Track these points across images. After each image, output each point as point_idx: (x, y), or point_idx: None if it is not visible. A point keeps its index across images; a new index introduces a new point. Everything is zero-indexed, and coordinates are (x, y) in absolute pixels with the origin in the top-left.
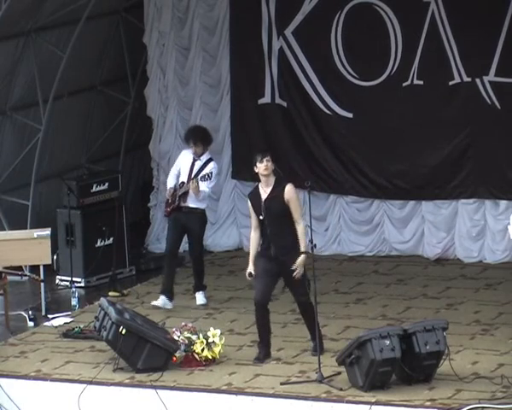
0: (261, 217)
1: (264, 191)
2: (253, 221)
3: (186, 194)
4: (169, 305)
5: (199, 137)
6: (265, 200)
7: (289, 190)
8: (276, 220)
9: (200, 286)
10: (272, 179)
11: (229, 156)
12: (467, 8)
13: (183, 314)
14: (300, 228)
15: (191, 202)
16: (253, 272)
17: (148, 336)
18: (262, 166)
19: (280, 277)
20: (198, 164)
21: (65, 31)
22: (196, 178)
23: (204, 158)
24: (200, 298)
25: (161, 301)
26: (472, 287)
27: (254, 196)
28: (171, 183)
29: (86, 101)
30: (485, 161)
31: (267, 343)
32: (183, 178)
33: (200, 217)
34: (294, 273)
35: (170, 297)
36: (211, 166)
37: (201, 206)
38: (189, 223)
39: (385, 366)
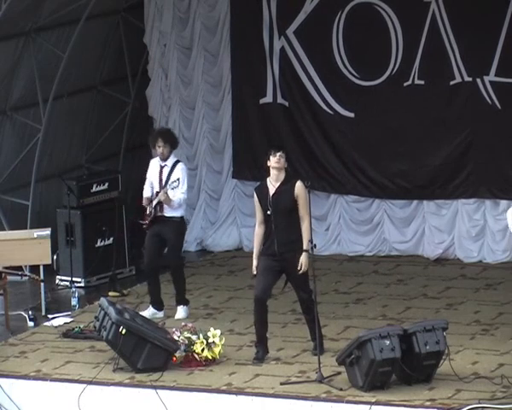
0: (268, 212)
1: (273, 186)
2: (258, 216)
3: (161, 204)
4: (159, 314)
5: (162, 137)
6: (273, 194)
7: (300, 185)
8: (282, 215)
9: (180, 300)
10: (282, 175)
11: (230, 156)
12: (467, 8)
13: None
14: (305, 225)
15: (167, 212)
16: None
17: (148, 337)
18: (274, 159)
19: (282, 274)
20: (166, 170)
21: (65, 31)
22: (165, 189)
23: (170, 162)
24: (179, 312)
25: (149, 311)
26: (472, 287)
27: (261, 190)
28: (147, 193)
29: (86, 101)
30: (486, 161)
31: (264, 340)
32: (156, 187)
33: (176, 226)
34: (300, 271)
35: (158, 308)
36: (178, 170)
37: (177, 214)
38: (165, 232)
39: (385, 366)
